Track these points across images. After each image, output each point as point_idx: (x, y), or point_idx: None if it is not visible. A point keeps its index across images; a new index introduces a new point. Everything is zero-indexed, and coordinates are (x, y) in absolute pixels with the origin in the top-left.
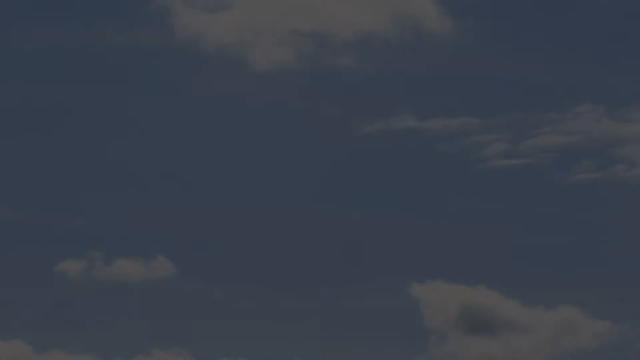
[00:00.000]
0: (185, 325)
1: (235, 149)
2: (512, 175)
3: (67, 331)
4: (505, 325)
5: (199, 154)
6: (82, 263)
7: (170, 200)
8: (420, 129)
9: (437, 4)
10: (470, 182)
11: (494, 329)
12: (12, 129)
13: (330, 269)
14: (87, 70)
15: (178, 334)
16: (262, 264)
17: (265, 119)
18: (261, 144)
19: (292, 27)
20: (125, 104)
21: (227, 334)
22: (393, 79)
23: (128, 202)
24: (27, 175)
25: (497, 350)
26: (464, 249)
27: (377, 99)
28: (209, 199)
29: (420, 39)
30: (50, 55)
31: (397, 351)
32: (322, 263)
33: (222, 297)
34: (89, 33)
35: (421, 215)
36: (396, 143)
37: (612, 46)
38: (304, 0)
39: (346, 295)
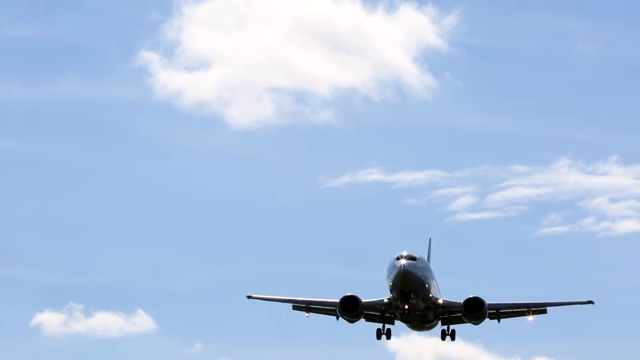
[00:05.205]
0: None
1: (212, 203)
2: (480, 229)
3: None
4: None
5: (178, 208)
6: (62, 315)
7: (150, 254)
8: (387, 182)
9: (415, 61)
10: (437, 236)
11: None
12: None
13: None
14: (67, 125)
15: None
16: (241, 318)
17: (240, 173)
18: (235, 198)
19: (271, 84)
20: (106, 159)
21: None
22: (367, 134)
23: (109, 255)
24: (7, 227)
25: None
26: None
27: (346, 153)
28: (188, 253)
29: (399, 95)
30: (31, 109)
31: None
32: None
33: (201, 353)
34: (70, 89)
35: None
36: (363, 196)
37: (579, 101)
38: (282, 57)
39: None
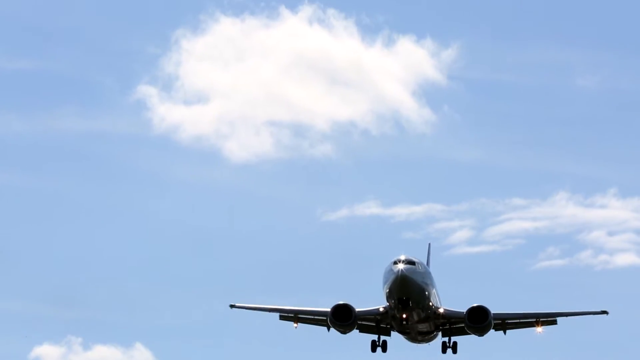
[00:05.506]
0: None
1: (210, 237)
2: (477, 262)
3: None
4: None
5: (176, 241)
6: (60, 348)
7: (148, 287)
8: (385, 216)
9: (413, 94)
10: (435, 270)
11: None
12: None
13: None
14: (66, 158)
15: None
16: (239, 349)
17: (238, 207)
18: (233, 232)
19: (269, 118)
20: (104, 193)
21: None
22: (365, 168)
23: (107, 288)
24: (4, 260)
25: None
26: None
27: (344, 186)
28: (186, 286)
29: (398, 129)
30: (29, 142)
31: None
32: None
33: None
34: (68, 123)
35: None
36: (361, 230)
37: (577, 134)
38: (280, 91)
39: None
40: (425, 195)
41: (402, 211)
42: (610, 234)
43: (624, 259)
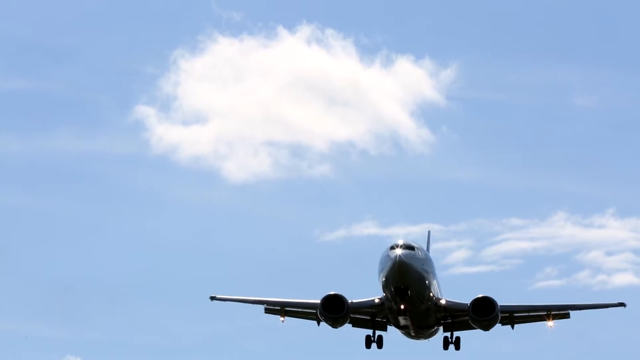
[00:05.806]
0: None
1: (208, 258)
2: (475, 282)
3: None
4: None
5: (174, 262)
6: None
7: (146, 308)
8: (382, 236)
9: (412, 114)
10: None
11: None
12: None
13: None
14: (63, 179)
15: None
16: None
17: (236, 227)
18: (232, 252)
19: (267, 138)
20: (102, 213)
21: None
22: (364, 188)
23: (105, 309)
24: (2, 280)
25: None
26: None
27: (343, 207)
28: (184, 307)
29: (396, 149)
30: (27, 162)
31: None
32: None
33: None
34: (66, 143)
35: None
36: (358, 250)
37: (576, 154)
38: (278, 111)
39: None
40: (423, 215)
41: (399, 231)
42: (609, 254)
43: (622, 279)
